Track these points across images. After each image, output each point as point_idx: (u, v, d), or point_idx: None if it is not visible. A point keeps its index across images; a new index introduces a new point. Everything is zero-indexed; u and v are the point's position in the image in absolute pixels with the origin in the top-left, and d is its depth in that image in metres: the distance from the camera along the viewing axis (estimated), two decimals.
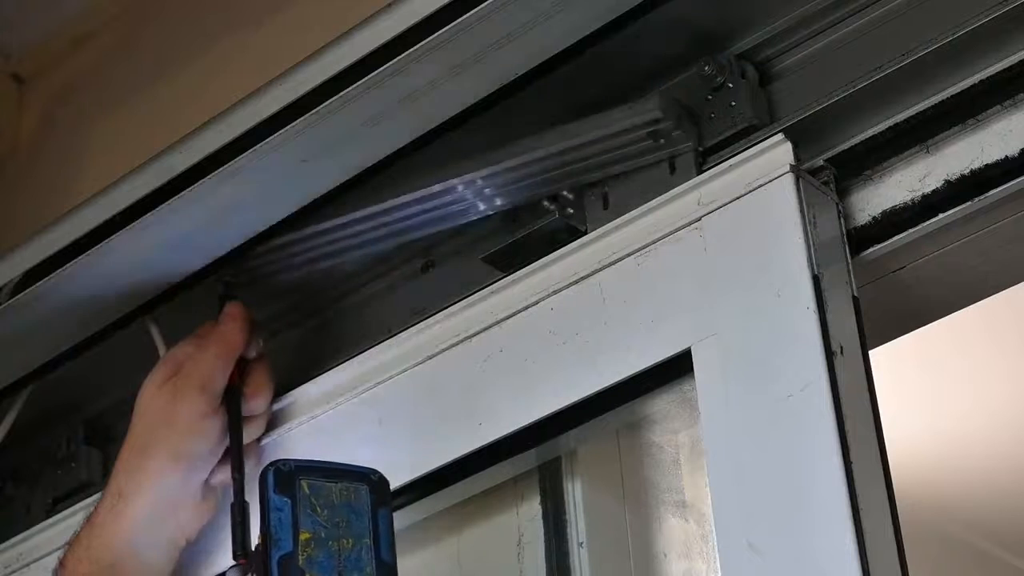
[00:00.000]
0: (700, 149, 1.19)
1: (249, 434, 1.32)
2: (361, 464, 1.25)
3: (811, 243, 1.10)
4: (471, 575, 1.32)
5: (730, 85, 1.19)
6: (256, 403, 1.32)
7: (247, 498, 1.21)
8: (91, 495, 1.49)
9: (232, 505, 1.21)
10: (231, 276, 1.36)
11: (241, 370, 1.32)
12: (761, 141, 1.15)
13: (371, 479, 1.13)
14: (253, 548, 1.12)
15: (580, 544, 1.24)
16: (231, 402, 1.29)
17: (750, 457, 1.07)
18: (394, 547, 1.11)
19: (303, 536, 1.08)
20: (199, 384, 1.28)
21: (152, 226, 1.29)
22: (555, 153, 1.22)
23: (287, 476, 1.09)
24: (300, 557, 1.07)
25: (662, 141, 1.19)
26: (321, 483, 1.10)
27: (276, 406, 1.36)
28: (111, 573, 1.24)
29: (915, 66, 1.11)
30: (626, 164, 1.22)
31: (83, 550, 1.26)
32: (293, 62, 1.23)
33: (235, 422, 1.29)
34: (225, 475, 1.29)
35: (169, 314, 1.40)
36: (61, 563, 1.27)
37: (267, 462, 1.22)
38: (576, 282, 1.21)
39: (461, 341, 1.26)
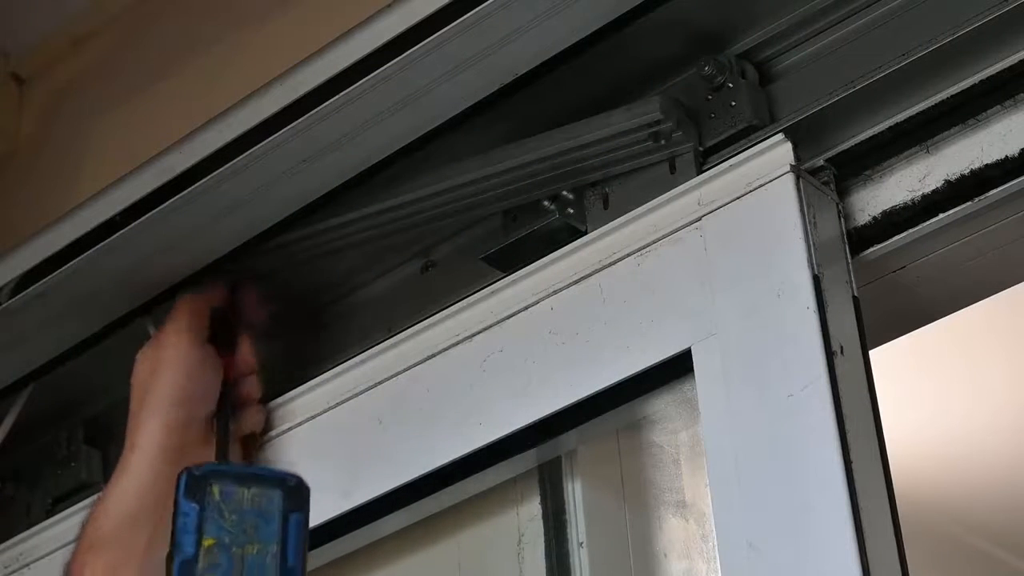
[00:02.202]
0: (700, 149, 1.19)
1: (248, 425, 1.32)
2: (357, 464, 1.26)
3: (811, 243, 1.10)
4: (471, 575, 1.32)
5: (730, 85, 1.19)
6: (245, 386, 1.32)
7: None
8: (91, 495, 1.49)
9: None
10: (231, 275, 1.36)
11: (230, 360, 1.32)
12: (761, 141, 1.15)
13: (287, 484, 1.12)
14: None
15: (580, 544, 1.24)
16: (221, 402, 1.29)
17: (750, 457, 1.07)
18: (303, 553, 1.10)
19: (207, 542, 1.07)
20: (179, 328, 1.28)
21: (152, 226, 1.29)
22: (555, 154, 1.22)
23: (198, 480, 1.09)
24: (200, 563, 1.07)
25: (663, 142, 1.19)
26: (232, 488, 1.10)
27: (275, 406, 1.36)
28: (132, 523, 1.22)
29: (915, 66, 1.11)
30: (626, 165, 1.22)
31: (102, 509, 1.24)
32: (293, 62, 1.23)
33: (223, 417, 1.28)
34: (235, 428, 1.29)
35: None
36: (83, 528, 1.25)
37: (265, 462, 1.22)
38: (576, 282, 1.21)
39: (461, 341, 1.26)
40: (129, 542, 1.21)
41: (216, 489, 1.08)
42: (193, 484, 1.08)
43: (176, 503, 1.08)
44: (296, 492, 1.11)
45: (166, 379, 1.27)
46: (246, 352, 1.32)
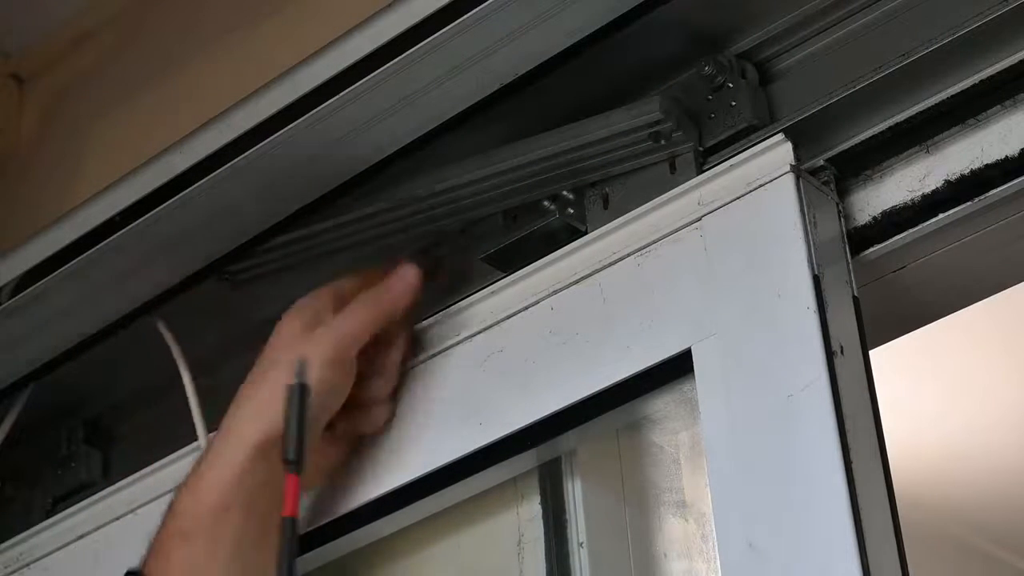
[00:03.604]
0: (700, 149, 1.19)
1: (367, 424, 1.26)
2: (358, 464, 1.25)
3: (811, 243, 1.10)
4: (471, 575, 1.31)
5: (730, 85, 1.19)
6: (377, 384, 1.25)
7: None
8: (91, 495, 1.49)
9: None
10: (230, 275, 1.36)
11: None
12: (761, 141, 1.15)
13: None
14: None
15: (580, 544, 1.24)
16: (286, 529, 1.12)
17: (750, 457, 1.07)
18: None
19: None
20: (334, 340, 1.20)
21: (152, 226, 1.29)
22: (555, 154, 1.22)
23: None
24: None
25: (663, 142, 1.19)
26: None
27: None
28: (220, 516, 1.17)
29: (915, 66, 1.11)
30: (626, 165, 1.22)
31: (190, 495, 1.18)
32: (293, 62, 1.23)
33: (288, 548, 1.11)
34: (352, 426, 1.24)
35: (173, 313, 1.40)
36: (169, 510, 1.19)
37: None
38: (576, 282, 1.21)
39: (461, 341, 1.26)
40: (217, 534, 1.17)
41: None
42: None
43: None
44: None
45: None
46: (394, 355, 1.25)
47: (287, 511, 1.07)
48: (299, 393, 1.11)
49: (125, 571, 1.17)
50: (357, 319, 1.22)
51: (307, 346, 1.19)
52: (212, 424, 1.33)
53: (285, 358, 1.19)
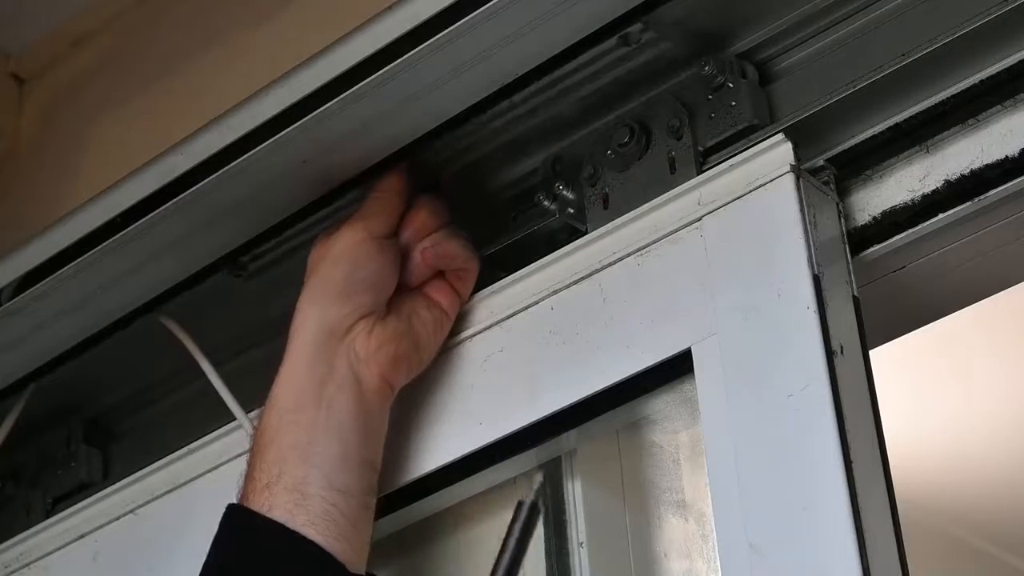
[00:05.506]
0: (700, 149, 1.19)
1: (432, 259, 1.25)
2: None
3: (811, 243, 1.10)
4: (471, 575, 1.32)
5: (730, 85, 1.19)
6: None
7: None
8: (91, 495, 1.49)
9: None
10: (234, 272, 1.36)
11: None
12: (761, 141, 1.15)
13: None
14: None
15: (580, 544, 1.24)
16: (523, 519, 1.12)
17: (750, 457, 1.07)
18: None
19: None
20: (355, 221, 1.22)
21: (153, 228, 1.29)
22: (534, 73, 1.20)
23: None
24: None
25: (633, 46, 1.18)
26: None
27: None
28: (294, 413, 1.18)
29: (915, 66, 1.11)
30: (606, 77, 1.21)
31: (269, 402, 1.19)
32: (295, 63, 1.23)
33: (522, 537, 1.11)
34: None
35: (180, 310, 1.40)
36: (257, 424, 1.21)
37: None
38: (576, 282, 1.21)
39: (461, 341, 1.26)
40: (292, 433, 1.18)
41: None
42: None
43: None
44: None
45: (328, 270, 1.21)
46: (420, 216, 1.25)
47: None
48: (527, 514, 1.09)
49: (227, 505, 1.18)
50: (373, 199, 1.24)
51: (331, 240, 1.22)
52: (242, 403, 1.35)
53: (327, 247, 1.22)
